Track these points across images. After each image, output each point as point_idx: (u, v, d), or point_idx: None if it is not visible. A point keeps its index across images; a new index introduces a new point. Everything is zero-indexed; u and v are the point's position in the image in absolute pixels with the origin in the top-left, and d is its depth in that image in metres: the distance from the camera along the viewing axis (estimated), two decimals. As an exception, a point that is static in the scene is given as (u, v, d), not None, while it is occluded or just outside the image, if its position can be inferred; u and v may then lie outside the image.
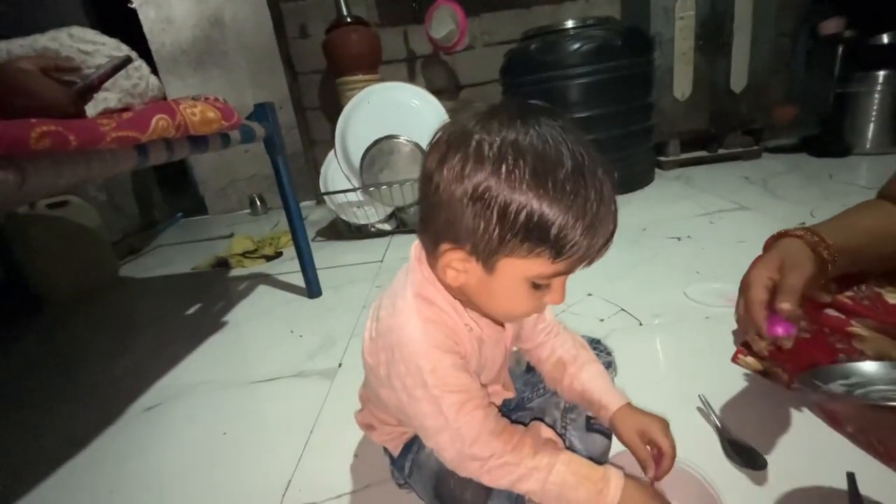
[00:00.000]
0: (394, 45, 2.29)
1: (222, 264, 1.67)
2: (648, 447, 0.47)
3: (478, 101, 2.37)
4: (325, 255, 1.60)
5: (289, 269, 1.51)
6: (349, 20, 2.02)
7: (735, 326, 0.80)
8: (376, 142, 1.60)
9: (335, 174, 1.75)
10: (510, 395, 0.55)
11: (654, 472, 0.46)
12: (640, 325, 0.91)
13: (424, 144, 1.60)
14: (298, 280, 1.30)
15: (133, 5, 2.27)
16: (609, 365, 0.59)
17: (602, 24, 1.76)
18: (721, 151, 2.11)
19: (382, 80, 1.93)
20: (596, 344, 0.62)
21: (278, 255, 1.70)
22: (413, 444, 0.53)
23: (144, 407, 0.87)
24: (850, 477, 0.49)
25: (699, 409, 0.66)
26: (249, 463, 0.69)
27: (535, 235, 0.33)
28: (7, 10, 1.60)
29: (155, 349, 1.11)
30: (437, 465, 0.49)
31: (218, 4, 2.25)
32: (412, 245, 0.45)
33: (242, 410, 0.83)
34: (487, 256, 0.36)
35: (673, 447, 0.46)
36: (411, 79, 2.36)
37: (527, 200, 0.32)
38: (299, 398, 0.83)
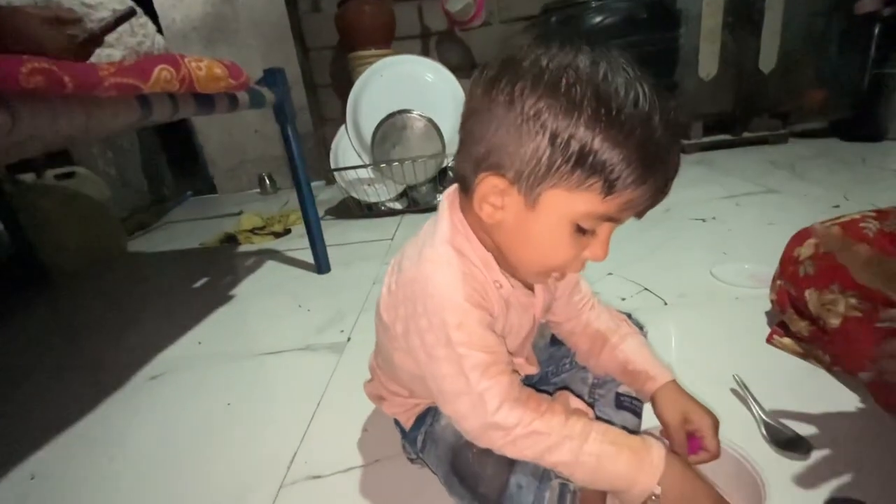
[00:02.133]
0: (408, 19, 2.22)
1: (231, 240, 1.64)
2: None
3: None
4: (335, 232, 1.56)
5: (298, 245, 1.48)
6: (362, -7, 1.96)
7: (769, 307, 0.75)
8: (388, 116, 1.55)
9: (346, 150, 1.70)
10: (533, 370, 0.51)
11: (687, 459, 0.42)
12: (665, 304, 0.86)
13: (438, 120, 1.57)
14: (307, 256, 1.27)
15: (144, -21, 2.23)
16: (639, 330, 0.55)
17: (626, -3, 1.68)
18: (745, 135, 2.03)
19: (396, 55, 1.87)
20: (627, 318, 0.57)
21: (287, 232, 1.67)
22: (426, 417, 0.50)
23: (149, 376, 0.85)
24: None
25: (733, 390, 0.61)
26: (254, 434, 0.67)
27: (589, 164, 0.30)
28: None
29: (161, 321, 1.09)
30: (454, 438, 0.45)
31: (229, -23, 2.19)
32: (444, 193, 0.41)
33: (248, 382, 0.80)
34: (532, 185, 0.32)
35: (718, 448, 0.42)
36: (425, 55, 2.29)
37: (584, 126, 0.29)
38: (306, 371, 0.80)
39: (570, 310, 0.50)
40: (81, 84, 0.51)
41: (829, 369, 0.63)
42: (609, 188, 0.31)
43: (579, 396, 0.50)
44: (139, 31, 0.90)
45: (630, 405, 0.50)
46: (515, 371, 0.40)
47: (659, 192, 0.33)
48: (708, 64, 1.92)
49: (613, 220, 0.34)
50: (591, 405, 0.48)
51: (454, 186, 0.41)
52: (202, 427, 0.70)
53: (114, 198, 1.76)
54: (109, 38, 0.81)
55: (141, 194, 2.22)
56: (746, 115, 2.00)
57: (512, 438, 0.36)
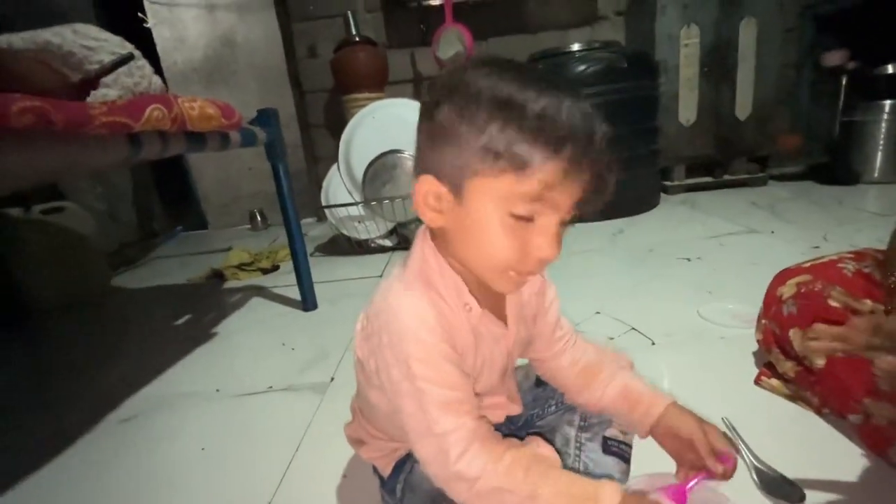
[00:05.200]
0: (400, 65, 2.31)
1: (217, 276, 1.62)
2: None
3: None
4: (324, 269, 1.55)
5: (285, 282, 1.47)
6: (358, 39, 2.05)
7: (755, 347, 0.75)
8: (380, 156, 1.58)
9: (337, 189, 1.73)
10: (517, 409, 0.50)
11: (722, 469, 0.41)
12: (653, 344, 0.86)
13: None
14: (294, 293, 1.26)
15: (148, 25, 2.32)
16: None
17: (608, 47, 1.77)
18: (726, 177, 2.09)
19: (389, 98, 1.94)
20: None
21: (275, 268, 1.66)
22: (406, 463, 0.48)
23: (121, 418, 0.81)
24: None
25: (723, 433, 0.60)
26: (228, 481, 0.63)
27: (497, 151, 0.32)
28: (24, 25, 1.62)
29: (140, 359, 1.05)
30: (433, 486, 0.43)
31: (231, 25, 2.29)
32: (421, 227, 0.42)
33: (225, 424, 0.77)
34: (456, 181, 0.34)
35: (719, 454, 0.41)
36: (417, 99, 2.37)
37: (488, 118, 0.32)
38: (287, 413, 0.77)
39: (553, 346, 0.49)
40: (71, 122, 0.51)
41: (818, 412, 0.62)
42: (522, 166, 0.32)
43: (566, 442, 0.48)
44: (136, 73, 0.92)
45: (618, 450, 0.48)
46: (483, 416, 0.38)
47: (576, 166, 0.32)
48: (687, 110, 2.01)
49: (540, 200, 0.33)
50: (578, 454, 0.47)
51: (421, 228, 0.42)
52: (173, 474, 0.66)
53: (102, 232, 1.75)
54: (106, 78, 0.83)
55: (130, 229, 2.20)
56: (726, 158, 2.08)
57: (476, 492, 0.35)
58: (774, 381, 0.68)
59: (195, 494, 0.61)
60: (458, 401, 0.36)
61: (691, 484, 0.41)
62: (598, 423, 0.50)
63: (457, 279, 0.39)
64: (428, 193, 0.36)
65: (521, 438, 0.51)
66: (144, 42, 2.09)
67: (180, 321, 1.27)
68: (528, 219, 0.34)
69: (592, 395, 0.48)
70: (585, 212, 0.36)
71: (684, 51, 1.93)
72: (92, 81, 0.79)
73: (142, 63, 0.94)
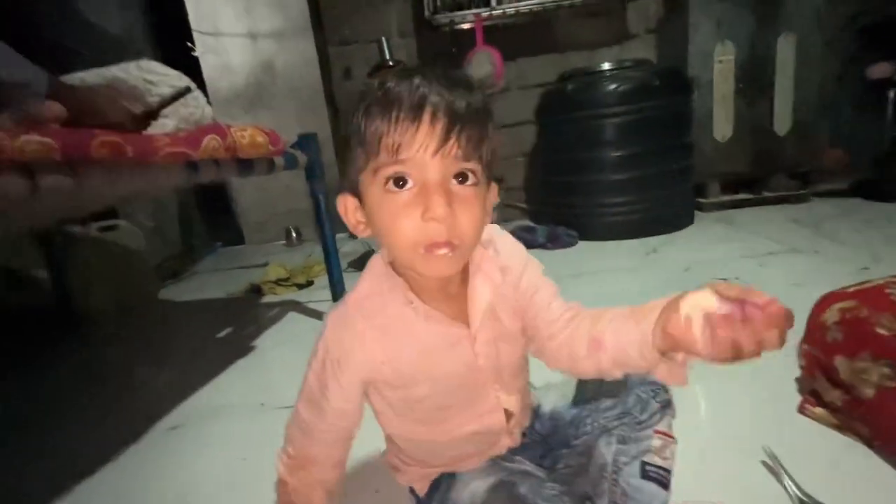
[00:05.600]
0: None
1: (256, 291, 1.69)
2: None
3: (512, 141, 2.41)
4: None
5: (319, 297, 1.51)
6: (391, 63, 2.13)
7: (797, 373, 0.73)
8: (412, 175, 1.62)
9: (370, 206, 1.78)
10: (515, 437, 0.50)
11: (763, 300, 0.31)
12: (690, 367, 0.84)
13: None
14: (328, 308, 1.29)
15: (196, 53, 2.48)
16: (667, 404, 0.51)
17: (639, 65, 1.77)
18: (766, 194, 2.03)
19: (420, 118, 1.99)
20: (652, 381, 0.55)
21: (309, 283, 1.71)
22: (441, 483, 0.49)
23: (169, 426, 0.86)
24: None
25: (765, 463, 0.58)
26: (268, 491, 0.66)
27: (352, 142, 0.37)
28: (89, 57, 1.77)
29: (184, 370, 1.11)
30: (470, 502, 0.45)
31: (271, 52, 2.42)
32: None
33: (264, 436, 0.79)
34: (355, 187, 0.39)
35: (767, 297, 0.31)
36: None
37: (356, 115, 0.36)
38: (323, 427, 0.80)
39: (550, 328, 0.46)
40: (140, 153, 0.57)
41: (868, 444, 0.60)
42: (373, 140, 0.35)
43: (603, 465, 0.48)
44: (191, 104, 0.99)
45: (657, 475, 0.47)
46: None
47: (413, 126, 0.34)
48: (722, 126, 1.97)
49: (402, 161, 0.35)
50: (615, 478, 0.47)
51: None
52: (220, 482, 0.69)
53: (149, 248, 1.86)
54: (165, 109, 0.90)
55: (174, 244, 2.33)
56: (765, 174, 2.02)
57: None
58: (819, 410, 0.66)
59: (239, 502, 0.64)
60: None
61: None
62: (637, 446, 0.49)
63: (397, 280, 0.42)
64: (347, 210, 0.41)
65: (558, 457, 0.51)
66: (192, 69, 2.25)
67: (222, 333, 1.33)
68: (400, 181, 0.36)
69: (609, 364, 0.42)
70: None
71: (718, 67, 1.91)
72: (153, 113, 0.86)
73: (197, 94, 1.01)
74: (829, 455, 0.59)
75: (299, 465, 0.46)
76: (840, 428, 0.63)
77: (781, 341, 0.30)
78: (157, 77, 0.92)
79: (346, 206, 0.41)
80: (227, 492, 0.67)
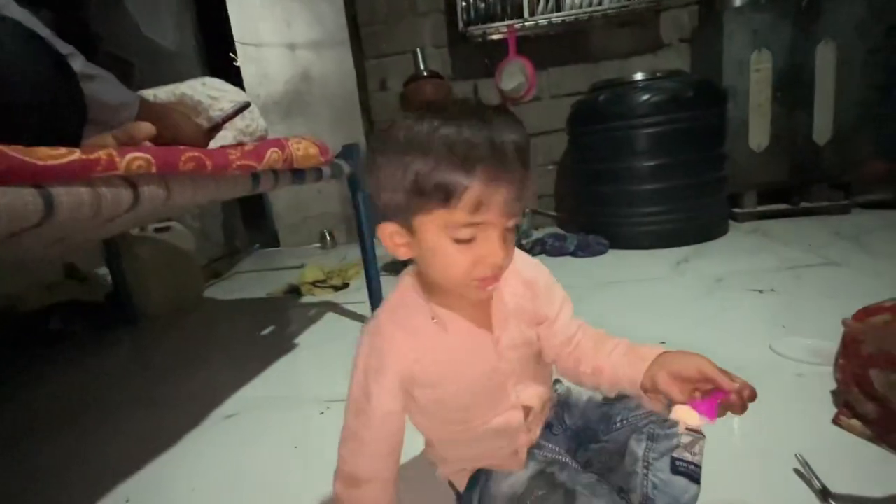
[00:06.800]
0: (464, 95, 2.44)
1: (294, 291, 1.77)
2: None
3: (543, 149, 2.44)
4: (389, 288, 1.65)
5: (355, 298, 1.58)
6: (426, 74, 2.20)
7: (833, 385, 0.73)
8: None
9: (404, 212, 1.84)
10: (535, 431, 0.53)
11: (738, 385, 0.40)
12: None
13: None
14: (364, 310, 1.36)
15: (237, 63, 2.62)
16: None
17: (672, 76, 1.78)
18: (804, 205, 1.99)
19: (452, 127, 2.05)
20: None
21: (345, 285, 1.78)
22: (480, 476, 0.52)
23: (225, 415, 0.93)
24: None
25: (797, 470, 0.60)
26: (319, 476, 0.71)
27: (421, 190, 0.37)
28: (146, 68, 1.92)
29: (232, 364, 1.19)
30: (511, 491, 0.48)
31: (309, 62, 2.53)
32: None
33: (312, 426, 0.86)
34: (405, 220, 0.40)
35: (729, 376, 0.41)
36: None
37: (404, 164, 0.37)
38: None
39: (563, 349, 0.51)
40: (218, 167, 0.64)
41: (904, 456, 0.61)
42: (447, 198, 0.36)
43: (633, 462, 0.51)
44: (248, 117, 1.08)
45: (686, 470, 0.49)
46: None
47: (493, 183, 0.36)
48: (759, 136, 1.95)
49: (476, 224, 0.38)
50: (645, 473, 0.49)
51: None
52: (273, 466, 0.76)
53: (197, 249, 1.98)
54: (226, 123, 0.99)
55: (218, 246, 2.46)
56: (803, 184, 1.98)
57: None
58: (854, 422, 0.67)
59: (294, 486, 0.70)
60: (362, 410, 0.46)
61: (718, 400, 0.41)
62: (666, 442, 0.51)
63: (419, 302, 0.46)
64: (391, 234, 0.42)
65: (588, 455, 0.54)
66: (233, 78, 2.38)
67: (265, 331, 1.41)
68: (470, 240, 0.39)
69: (602, 355, 0.49)
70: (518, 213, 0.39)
71: (755, 76, 1.89)
72: (217, 126, 0.95)
73: (252, 108, 1.10)
74: (863, 466, 0.60)
75: (352, 483, 0.48)
76: (873, 439, 0.64)
77: (743, 410, 0.41)
78: (219, 93, 1.01)
79: (388, 232, 0.42)
80: (281, 475, 0.73)
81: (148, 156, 0.53)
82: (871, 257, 1.40)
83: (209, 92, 1.01)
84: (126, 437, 0.90)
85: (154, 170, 0.54)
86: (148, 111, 0.75)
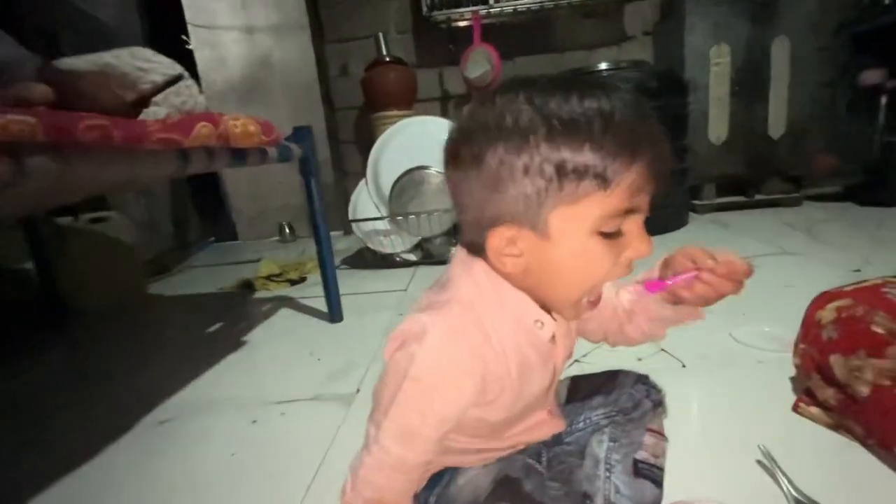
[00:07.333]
0: (429, 84, 2.37)
1: (247, 286, 1.67)
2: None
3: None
4: (350, 282, 1.58)
5: (312, 293, 1.50)
6: (388, 59, 2.11)
7: (792, 372, 0.73)
8: (407, 171, 1.61)
9: (365, 203, 1.77)
10: (560, 425, 0.49)
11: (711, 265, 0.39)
12: (684, 366, 0.84)
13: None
14: (321, 305, 1.28)
15: (190, 46, 2.45)
16: (659, 404, 0.53)
17: (636, 66, 1.78)
18: (759, 197, 2.04)
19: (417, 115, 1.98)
20: (645, 380, 0.55)
21: (302, 279, 1.70)
22: (443, 476, 0.47)
23: (158, 420, 0.84)
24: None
25: (759, 462, 0.58)
26: (256, 489, 0.65)
27: (571, 173, 0.31)
28: (78, 43, 1.74)
29: (174, 365, 1.09)
30: (472, 497, 0.44)
31: (268, 46, 2.40)
32: (453, 257, 0.41)
33: (254, 431, 0.78)
34: (535, 219, 0.32)
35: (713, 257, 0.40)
36: (444, 116, 2.42)
37: (546, 145, 0.31)
38: (314, 423, 0.78)
39: (610, 321, 0.50)
40: (129, 138, 0.55)
41: (863, 443, 0.60)
42: (604, 182, 0.31)
43: (595, 464, 0.47)
44: (184, 92, 0.97)
45: (649, 473, 0.47)
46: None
47: (655, 161, 0.32)
48: (718, 129, 1.98)
49: (631, 211, 0.33)
50: (608, 476, 0.46)
51: (461, 250, 0.40)
52: (207, 476, 0.68)
53: (141, 241, 1.83)
54: (156, 97, 0.88)
55: (167, 238, 2.30)
56: (758, 177, 2.03)
57: None
58: (814, 409, 0.66)
59: (228, 498, 0.63)
60: (414, 437, 0.36)
61: (677, 279, 0.41)
62: (629, 444, 0.49)
63: (523, 297, 0.38)
64: (504, 244, 0.34)
65: (552, 454, 0.51)
66: (186, 63, 2.22)
67: (212, 329, 1.31)
68: (619, 233, 0.34)
69: (642, 324, 0.49)
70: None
71: (714, 69, 1.92)
72: (144, 100, 0.85)
73: (189, 83, 0.99)
74: (824, 454, 0.59)
75: None
76: (834, 427, 0.63)
77: (738, 290, 0.40)
78: (149, 64, 0.91)
79: (501, 238, 0.34)
80: (214, 487, 0.66)
81: (31, 118, 0.44)
82: (822, 247, 1.44)
83: (137, 63, 0.90)
84: (40, 448, 0.80)
85: (41, 136, 0.45)
86: (54, 77, 0.65)
